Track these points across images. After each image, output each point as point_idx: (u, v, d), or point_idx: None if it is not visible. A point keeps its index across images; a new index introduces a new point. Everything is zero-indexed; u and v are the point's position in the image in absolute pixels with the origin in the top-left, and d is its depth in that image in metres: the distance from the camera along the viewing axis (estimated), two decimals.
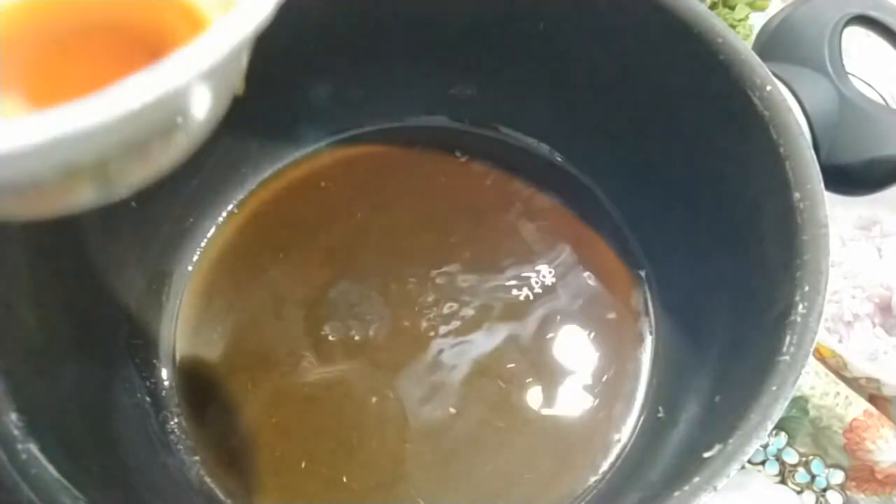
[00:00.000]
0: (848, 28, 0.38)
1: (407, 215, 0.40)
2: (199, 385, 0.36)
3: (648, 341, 0.37)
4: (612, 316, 0.37)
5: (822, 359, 0.39)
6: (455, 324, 0.36)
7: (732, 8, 0.47)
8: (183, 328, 0.37)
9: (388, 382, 0.35)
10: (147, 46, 0.18)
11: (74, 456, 0.27)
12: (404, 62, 0.39)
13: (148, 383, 0.35)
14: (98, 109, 0.13)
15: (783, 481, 0.39)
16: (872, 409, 0.38)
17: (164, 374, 0.36)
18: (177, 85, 0.14)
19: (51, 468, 0.24)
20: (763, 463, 0.40)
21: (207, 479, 0.34)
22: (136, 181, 0.17)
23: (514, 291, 0.37)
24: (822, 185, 0.27)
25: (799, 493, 0.39)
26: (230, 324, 0.37)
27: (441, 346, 0.36)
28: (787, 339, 0.25)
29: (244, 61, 0.18)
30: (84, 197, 0.16)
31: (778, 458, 0.39)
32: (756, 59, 0.29)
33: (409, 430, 0.34)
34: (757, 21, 0.46)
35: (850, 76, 0.36)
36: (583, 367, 0.36)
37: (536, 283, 0.38)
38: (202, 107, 0.16)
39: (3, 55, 0.18)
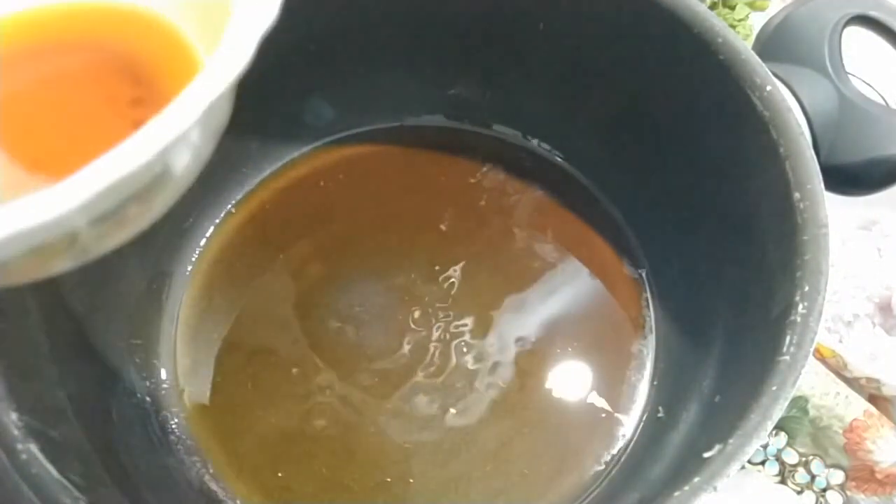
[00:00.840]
0: (848, 28, 0.38)
1: (407, 215, 0.40)
2: (199, 385, 0.36)
3: (648, 341, 0.37)
4: (611, 316, 0.37)
5: (822, 359, 0.39)
6: (455, 324, 0.36)
7: (732, 8, 0.47)
8: (183, 328, 0.37)
9: (389, 382, 0.35)
10: (129, 72, 0.18)
11: (74, 456, 0.27)
12: (404, 62, 0.39)
13: (148, 383, 0.35)
14: (56, 202, 0.13)
15: (783, 481, 0.39)
16: (872, 409, 0.38)
17: (164, 374, 0.36)
18: (140, 165, 0.13)
19: (51, 468, 0.24)
20: (763, 463, 0.40)
21: (207, 480, 0.34)
22: (116, 243, 0.17)
23: (514, 291, 0.37)
24: (822, 185, 0.27)
25: (799, 493, 0.39)
26: (230, 324, 0.37)
27: (441, 346, 0.36)
28: (787, 339, 0.25)
29: (226, 110, 0.17)
30: (59, 266, 0.16)
31: (778, 458, 0.39)
32: (756, 59, 0.29)
33: (409, 431, 0.34)
34: (757, 21, 0.46)
35: (850, 76, 0.36)
36: (583, 368, 0.36)
37: (536, 282, 0.38)
38: (179, 166, 0.16)
39: None
